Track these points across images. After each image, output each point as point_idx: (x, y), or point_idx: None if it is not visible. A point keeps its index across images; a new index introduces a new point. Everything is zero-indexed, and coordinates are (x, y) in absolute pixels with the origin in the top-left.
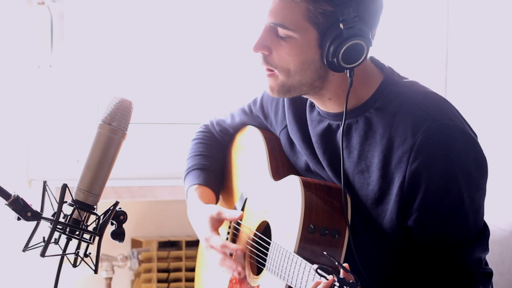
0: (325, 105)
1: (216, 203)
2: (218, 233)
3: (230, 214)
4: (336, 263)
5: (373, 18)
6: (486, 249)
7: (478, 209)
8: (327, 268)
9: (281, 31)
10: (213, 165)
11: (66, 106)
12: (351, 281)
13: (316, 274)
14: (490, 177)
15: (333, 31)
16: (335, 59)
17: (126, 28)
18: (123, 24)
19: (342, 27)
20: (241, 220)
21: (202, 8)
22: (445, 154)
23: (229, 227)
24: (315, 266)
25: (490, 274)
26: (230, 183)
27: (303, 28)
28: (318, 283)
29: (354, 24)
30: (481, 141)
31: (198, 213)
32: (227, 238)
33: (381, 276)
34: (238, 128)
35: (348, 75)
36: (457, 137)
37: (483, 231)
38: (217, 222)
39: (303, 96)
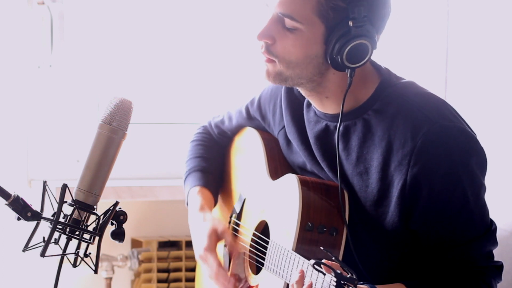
0: (322, 105)
1: (214, 206)
2: (216, 250)
3: (231, 242)
4: (333, 258)
5: (380, 22)
6: (494, 243)
7: (483, 206)
8: (324, 263)
9: (289, 22)
10: (212, 168)
11: (66, 106)
12: (348, 275)
13: (314, 270)
14: (490, 178)
15: (342, 28)
16: (339, 57)
17: (126, 28)
18: (123, 24)
19: (351, 25)
20: (240, 220)
21: (202, 8)
22: (447, 155)
23: (228, 229)
24: (312, 261)
25: (500, 267)
26: (229, 184)
27: (312, 21)
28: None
29: (363, 23)
30: (481, 141)
31: (202, 220)
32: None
33: (382, 274)
34: (236, 130)
35: (348, 75)
36: (457, 138)
37: (490, 226)
38: (217, 239)
39: (299, 89)
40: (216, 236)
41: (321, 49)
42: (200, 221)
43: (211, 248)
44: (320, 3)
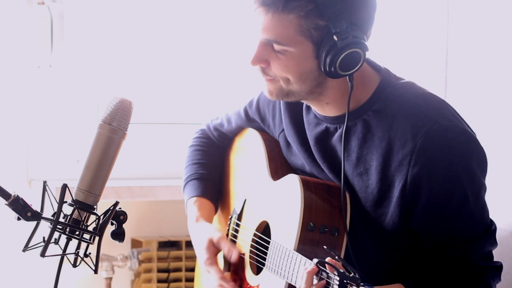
0: (323, 109)
1: (215, 213)
2: (217, 262)
3: (229, 249)
4: (336, 258)
5: (367, 21)
6: (494, 243)
7: (483, 206)
8: (327, 262)
9: (276, 46)
10: (211, 173)
11: (66, 106)
12: (351, 275)
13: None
14: (490, 178)
15: (328, 43)
16: (332, 68)
17: (126, 28)
18: (123, 24)
19: (336, 39)
20: (240, 221)
21: (202, 8)
22: (447, 155)
23: (228, 229)
24: (315, 260)
25: (499, 267)
26: (230, 185)
27: (298, 41)
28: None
29: (347, 34)
30: (481, 141)
31: (198, 232)
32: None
33: (381, 274)
34: (236, 132)
35: (348, 80)
36: (457, 137)
37: (490, 226)
38: (216, 249)
39: (301, 100)
40: (213, 247)
41: (314, 63)
42: (197, 234)
43: (211, 262)
44: (301, 25)
